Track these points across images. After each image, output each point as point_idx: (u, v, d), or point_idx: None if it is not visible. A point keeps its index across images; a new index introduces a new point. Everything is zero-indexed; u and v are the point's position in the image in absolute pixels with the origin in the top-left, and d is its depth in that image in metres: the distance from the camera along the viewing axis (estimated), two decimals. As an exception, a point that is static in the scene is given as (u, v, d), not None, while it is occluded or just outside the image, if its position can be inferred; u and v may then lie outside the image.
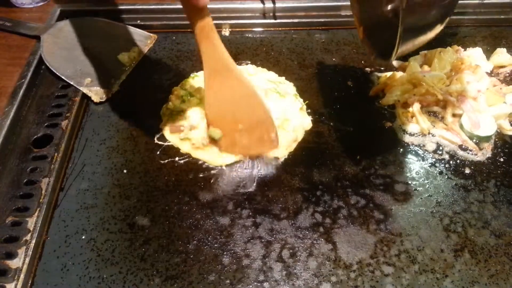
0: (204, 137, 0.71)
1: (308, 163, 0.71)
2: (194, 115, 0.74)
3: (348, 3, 0.92)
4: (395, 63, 0.86)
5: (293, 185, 0.69)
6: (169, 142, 0.73)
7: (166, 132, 0.74)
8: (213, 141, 0.71)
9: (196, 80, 0.81)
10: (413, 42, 0.61)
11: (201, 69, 0.83)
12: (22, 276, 0.58)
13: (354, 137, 0.75)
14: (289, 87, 0.81)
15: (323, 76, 0.85)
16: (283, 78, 0.83)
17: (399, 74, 0.83)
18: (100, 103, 0.79)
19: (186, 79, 0.82)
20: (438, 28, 0.60)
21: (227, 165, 0.71)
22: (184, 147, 0.73)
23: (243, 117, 0.68)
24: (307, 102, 0.79)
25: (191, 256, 0.61)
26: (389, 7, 0.69)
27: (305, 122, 0.76)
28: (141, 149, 0.73)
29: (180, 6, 0.92)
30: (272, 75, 0.84)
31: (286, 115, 0.74)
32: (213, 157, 0.71)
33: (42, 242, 0.62)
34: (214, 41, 0.63)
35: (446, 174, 0.70)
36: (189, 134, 0.72)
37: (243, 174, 0.70)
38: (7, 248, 0.60)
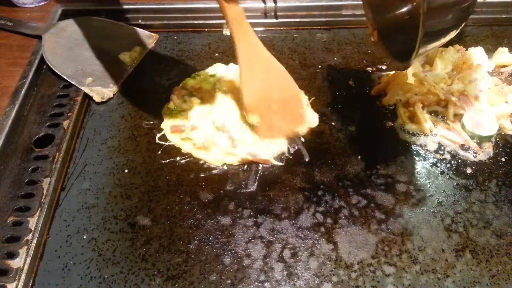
0: (206, 138, 0.71)
1: (309, 162, 0.71)
2: (195, 115, 0.74)
3: (349, 2, 0.94)
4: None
5: (294, 185, 0.69)
6: (170, 142, 0.73)
7: (167, 132, 0.74)
8: (251, 127, 0.73)
9: (198, 79, 0.81)
10: (432, 44, 0.61)
11: (202, 69, 0.84)
12: (23, 276, 0.58)
13: (356, 136, 0.75)
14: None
15: (325, 75, 0.85)
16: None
17: (400, 73, 0.82)
18: (102, 102, 0.79)
19: (187, 78, 0.81)
20: (457, 30, 0.60)
21: (228, 165, 0.71)
22: (185, 147, 0.73)
23: (277, 96, 0.72)
24: (313, 98, 0.79)
25: (192, 256, 0.61)
26: (405, 9, 0.69)
27: (313, 118, 0.77)
28: (143, 149, 0.73)
29: (182, 6, 0.94)
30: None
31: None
32: (214, 157, 0.71)
33: (43, 242, 0.62)
34: (245, 27, 0.68)
35: (447, 174, 0.70)
36: (190, 134, 0.72)
37: (244, 174, 0.70)
38: (8, 248, 0.60)
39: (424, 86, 0.77)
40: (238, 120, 0.73)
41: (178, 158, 0.72)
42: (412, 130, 0.75)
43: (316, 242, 0.62)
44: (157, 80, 0.84)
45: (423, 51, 0.60)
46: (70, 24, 0.90)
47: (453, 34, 0.60)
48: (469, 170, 0.71)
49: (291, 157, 0.72)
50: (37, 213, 0.63)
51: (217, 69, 0.83)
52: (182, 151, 0.72)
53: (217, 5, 0.93)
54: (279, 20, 0.96)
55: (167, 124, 0.75)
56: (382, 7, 0.71)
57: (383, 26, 0.70)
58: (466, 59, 0.81)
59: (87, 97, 0.80)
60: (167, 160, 0.71)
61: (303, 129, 0.75)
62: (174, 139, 0.74)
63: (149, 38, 0.92)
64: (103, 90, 0.80)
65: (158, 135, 0.74)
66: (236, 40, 0.69)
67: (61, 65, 0.82)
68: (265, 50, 0.71)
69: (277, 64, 0.73)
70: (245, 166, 0.71)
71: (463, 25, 0.60)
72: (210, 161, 0.71)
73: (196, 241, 0.62)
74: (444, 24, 0.58)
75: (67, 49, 0.85)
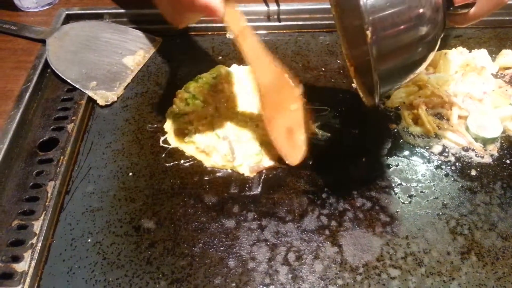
0: (207, 144, 0.71)
1: (313, 165, 0.71)
2: (198, 119, 0.74)
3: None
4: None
5: (298, 187, 0.69)
6: (174, 145, 0.73)
7: (171, 135, 0.74)
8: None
9: (200, 82, 0.81)
10: (396, 84, 0.61)
11: (205, 71, 0.84)
12: (28, 279, 0.58)
13: (359, 139, 0.75)
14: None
15: (328, 78, 0.85)
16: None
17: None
18: (106, 106, 0.79)
19: (190, 81, 0.82)
20: (422, 66, 0.58)
21: (232, 168, 0.71)
22: (189, 150, 0.73)
23: (288, 118, 0.69)
24: (328, 109, 0.80)
25: (197, 259, 0.61)
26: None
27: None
28: (146, 152, 0.73)
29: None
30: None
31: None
32: (215, 162, 0.71)
33: (48, 246, 0.62)
34: (257, 49, 0.66)
35: (452, 176, 0.70)
36: (193, 137, 0.72)
37: (248, 177, 0.70)
38: (13, 252, 0.60)
39: (428, 88, 0.77)
40: (240, 129, 0.73)
41: (182, 161, 0.72)
42: (416, 133, 0.75)
43: (320, 245, 0.62)
44: (160, 84, 0.84)
45: (389, 89, 0.61)
46: (74, 28, 0.90)
47: (418, 71, 0.58)
48: (473, 172, 0.71)
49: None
50: (42, 217, 0.63)
51: (219, 71, 0.83)
52: (186, 154, 0.72)
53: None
54: (282, 23, 0.96)
55: (170, 127, 0.75)
56: (355, 43, 0.69)
57: (358, 62, 0.69)
58: (469, 62, 0.81)
59: (91, 100, 0.80)
60: (171, 163, 0.71)
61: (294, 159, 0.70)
62: (177, 142, 0.74)
63: (153, 42, 0.92)
64: (107, 94, 0.80)
65: (162, 138, 0.74)
66: (257, 70, 0.66)
67: (65, 69, 0.82)
68: (279, 69, 0.68)
69: (294, 89, 0.69)
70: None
71: (429, 59, 0.57)
72: (213, 164, 0.71)
73: (200, 244, 0.62)
74: (402, 64, 0.57)
75: (71, 53, 0.86)
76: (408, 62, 0.56)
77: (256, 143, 0.72)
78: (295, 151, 0.69)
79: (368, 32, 0.50)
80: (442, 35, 0.56)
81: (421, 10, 0.52)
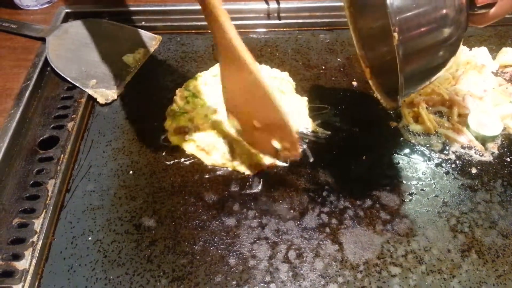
0: (207, 143, 0.71)
1: (313, 163, 0.71)
2: (198, 116, 0.74)
3: None
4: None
5: (299, 185, 0.69)
6: (174, 143, 0.73)
7: (171, 133, 0.74)
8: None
9: (200, 80, 0.81)
10: (419, 86, 0.60)
11: (206, 69, 0.84)
12: (29, 277, 0.58)
13: (360, 137, 0.75)
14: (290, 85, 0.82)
15: (328, 76, 0.85)
16: (286, 73, 0.84)
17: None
18: (106, 104, 0.79)
19: (190, 79, 0.81)
20: (444, 67, 0.58)
21: (232, 167, 0.71)
22: (189, 148, 0.73)
23: (259, 115, 0.63)
24: (328, 107, 0.79)
25: (197, 257, 0.61)
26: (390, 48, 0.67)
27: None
28: (147, 150, 0.73)
29: (185, 7, 0.94)
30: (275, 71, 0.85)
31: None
32: (214, 160, 0.71)
33: (48, 244, 0.62)
34: (228, 29, 0.55)
35: (452, 174, 0.70)
36: (193, 136, 0.72)
37: (248, 175, 0.70)
38: (14, 250, 0.60)
39: (428, 86, 0.77)
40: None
41: (182, 160, 0.72)
42: (416, 131, 0.75)
43: (321, 242, 0.62)
44: (160, 82, 0.84)
45: (412, 90, 0.60)
46: (73, 26, 0.90)
47: (441, 72, 0.58)
48: (474, 170, 0.71)
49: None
50: (42, 215, 0.63)
51: (219, 70, 0.83)
52: (186, 152, 0.72)
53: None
54: (282, 21, 0.96)
55: (170, 126, 0.75)
56: (373, 44, 0.68)
57: (375, 63, 0.68)
58: (470, 60, 0.81)
59: (91, 99, 0.80)
60: (172, 162, 0.71)
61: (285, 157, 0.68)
62: (177, 141, 0.74)
63: (153, 40, 0.92)
64: (107, 92, 0.80)
65: (162, 137, 0.74)
66: (219, 44, 0.59)
67: (65, 67, 0.82)
68: (252, 65, 0.56)
69: (264, 87, 0.57)
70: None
71: (452, 60, 0.57)
72: (214, 162, 0.71)
73: (201, 242, 0.62)
74: (426, 66, 0.56)
75: (71, 51, 0.86)
76: (432, 63, 0.56)
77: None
78: (271, 148, 0.65)
79: (395, 33, 0.50)
80: (463, 36, 0.56)
81: (446, 11, 0.51)
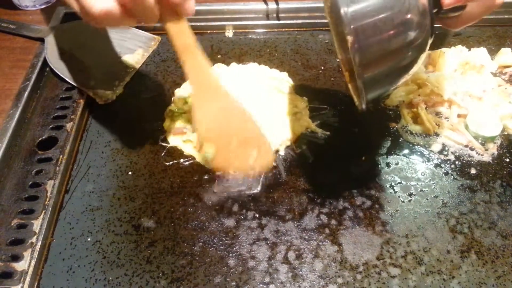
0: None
1: (313, 164, 0.71)
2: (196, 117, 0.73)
3: None
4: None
5: (298, 186, 0.68)
6: (173, 144, 0.73)
7: (169, 134, 0.74)
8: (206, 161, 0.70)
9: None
10: (385, 88, 0.60)
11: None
12: (28, 278, 0.57)
13: (359, 138, 0.75)
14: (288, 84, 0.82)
15: (327, 76, 0.85)
16: (285, 73, 0.84)
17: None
18: (105, 105, 0.79)
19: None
20: (411, 71, 0.57)
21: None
22: (187, 149, 0.72)
23: (237, 131, 0.64)
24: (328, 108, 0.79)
25: (197, 258, 0.60)
26: None
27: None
28: (146, 151, 0.73)
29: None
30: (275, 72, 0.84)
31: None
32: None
33: (47, 245, 0.62)
34: (198, 58, 0.58)
35: (451, 174, 0.70)
36: (192, 136, 0.72)
37: (247, 176, 0.70)
38: (12, 251, 0.60)
39: (427, 86, 0.77)
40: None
41: (181, 160, 0.71)
42: (415, 131, 0.75)
43: (320, 243, 0.62)
44: (160, 82, 0.84)
45: (380, 94, 0.60)
46: (72, 27, 0.90)
47: (407, 75, 0.57)
48: (473, 171, 0.71)
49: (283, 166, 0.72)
50: (41, 216, 0.63)
51: (218, 70, 0.83)
52: (185, 153, 0.72)
53: (219, 7, 0.94)
54: (281, 21, 0.95)
55: (169, 126, 0.75)
56: (346, 48, 0.68)
57: (350, 67, 0.68)
58: (469, 60, 0.81)
59: (90, 99, 0.79)
60: (171, 162, 0.71)
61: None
62: (176, 141, 0.73)
63: (152, 41, 0.92)
64: (106, 93, 0.80)
65: (161, 137, 0.74)
66: (190, 74, 0.60)
67: (63, 68, 0.82)
68: (222, 88, 0.61)
69: (237, 104, 0.62)
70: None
71: (418, 64, 0.56)
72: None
73: (200, 243, 0.62)
74: (388, 71, 0.55)
75: (69, 51, 0.85)
76: (395, 68, 0.55)
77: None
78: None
79: (349, 41, 0.50)
80: (431, 39, 0.55)
81: (406, 16, 0.51)
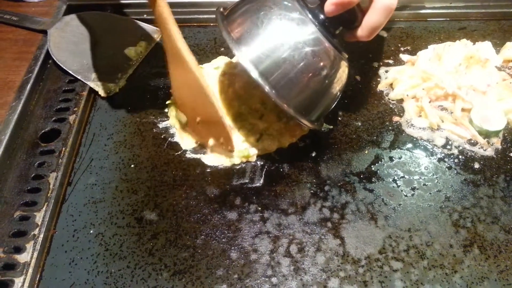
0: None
1: (315, 158, 0.71)
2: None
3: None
4: (404, 57, 0.86)
5: (301, 180, 0.68)
6: (176, 136, 0.73)
7: (172, 126, 0.74)
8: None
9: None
10: (320, 109, 0.66)
11: (206, 61, 0.83)
12: (30, 270, 0.58)
13: (362, 131, 0.75)
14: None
15: (331, 70, 0.85)
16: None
17: (407, 68, 0.82)
18: (107, 97, 0.79)
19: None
20: (341, 86, 0.66)
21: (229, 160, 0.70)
22: (190, 141, 0.72)
23: (199, 111, 0.68)
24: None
25: (199, 251, 0.61)
26: None
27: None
28: (148, 143, 0.73)
29: (187, 0, 0.93)
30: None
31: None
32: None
33: (50, 237, 0.62)
34: (170, 29, 0.62)
35: (455, 169, 0.70)
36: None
37: (250, 169, 0.70)
38: (15, 243, 0.60)
39: (432, 80, 0.77)
40: (238, 119, 0.73)
41: (184, 153, 0.71)
42: (419, 125, 0.75)
43: (323, 237, 0.62)
44: (162, 75, 0.83)
45: (324, 110, 0.67)
46: (75, 19, 0.89)
47: (336, 91, 0.65)
48: (477, 165, 0.70)
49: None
50: (44, 208, 0.63)
51: (221, 62, 0.83)
52: (188, 145, 0.72)
53: (218, 0, 0.93)
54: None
55: (172, 118, 0.75)
56: None
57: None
58: (473, 54, 0.80)
59: (92, 91, 0.79)
60: (173, 155, 0.71)
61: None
62: (178, 133, 0.73)
63: (155, 33, 0.91)
64: (108, 85, 0.80)
65: (162, 127, 0.74)
66: (164, 42, 0.66)
67: (66, 60, 0.82)
68: (192, 64, 0.63)
69: (203, 86, 0.63)
70: (252, 161, 0.70)
71: (342, 77, 0.65)
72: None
73: (202, 236, 0.62)
74: (318, 98, 0.63)
75: (72, 43, 0.85)
76: (319, 92, 0.63)
77: (256, 134, 0.71)
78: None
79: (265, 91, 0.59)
80: (345, 56, 0.64)
81: (303, 50, 0.59)
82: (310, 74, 0.60)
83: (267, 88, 0.59)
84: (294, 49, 0.59)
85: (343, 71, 0.64)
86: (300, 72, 0.59)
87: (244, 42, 0.60)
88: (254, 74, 0.59)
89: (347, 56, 0.65)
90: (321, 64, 0.60)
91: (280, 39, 0.59)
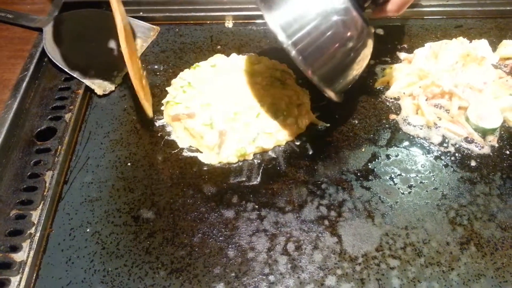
0: (197, 131, 0.71)
1: (312, 156, 0.71)
2: (193, 106, 0.73)
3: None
4: (400, 55, 0.86)
5: (298, 178, 0.68)
6: (172, 135, 0.73)
7: (168, 123, 0.74)
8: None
9: (198, 70, 0.80)
10: (343, 80, 0.66)
11: (203, 59, 0.83)
12: (26, 269, 0.57)
13: (359, 129, 0.75)
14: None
15: (328, 68, 0.85)
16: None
17: (404, 66, 0.82)
18: (103, 95, 0.79)
19: (186, 69, 0.81)
20: (365, 61, 0.65)
21: (219, 161, 0.70)
22: (185, 140, 0.72)
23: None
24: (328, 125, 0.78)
25: (196, 249, 0.60)
26: None
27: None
28: (145, 142, 0.72)
29: (184, -2, 0.93)
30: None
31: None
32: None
33: (46, 235, 0.62)
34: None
35: (451, 166, 0.70)
36: (187, 123, 0.71)
37: (247, 167, 0.69)
38: (11, 241, 0.60)
39: (428, 78, 0.77)
40: (234, 117, 0.72)
41: (180, 151, 0.71)
42: (416, 123, 0.75)
43: (320, 235, 0.62)
44: (158, 73, 0.83)
45: (346, 85, 0.67)
46: (71, 17, 0.89)
47: (363, 64, 0.65)
48: (473, 163, 0.70)
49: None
50: (40, 207, 0.63)
51: (218, 60, 0.83)
52: (184, 143, 0.72)
53: (220, -2, 0.93)
54: (282, 12, 0.95)
55: (168, 116, 0.74)
56: None
57: None
58: (470, 52, 0.80)
59: (88, 90, 0.79)
60: (170, 153, 0.71)
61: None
62: (174, 131, 0.73)
63: (151, 31, 0.91)
64: (104, 83, 0.79)
65: (158, 125, 0.74)
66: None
67: (62, 58, 0.82)
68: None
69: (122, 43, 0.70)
70: (249, 159, 0.70)
71: (368, 52, 0.64)
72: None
73: (199, 234, 0.62)
74: (345, 70, 0.64)
75: (68, 41, 0.85)
76: (344, 62, 0.63)
77: (251, 132, 0.71)
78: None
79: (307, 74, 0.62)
80: (368, 29, 0.63)
81: (331, 18, 0.59)
82: (338, 44, 0.60)
83: (293, 53, 0.59)
84: (324, 17, 0.59)
85: (369, 45, 0.64)
86: (328, 41, 0.60)
87: (274, 7, 0.60)
88: (282, 38, 0.59)
89: (373, 31, 0.65)
90: (349, 34, 0.60)
91: (311, 5, 0.59)
